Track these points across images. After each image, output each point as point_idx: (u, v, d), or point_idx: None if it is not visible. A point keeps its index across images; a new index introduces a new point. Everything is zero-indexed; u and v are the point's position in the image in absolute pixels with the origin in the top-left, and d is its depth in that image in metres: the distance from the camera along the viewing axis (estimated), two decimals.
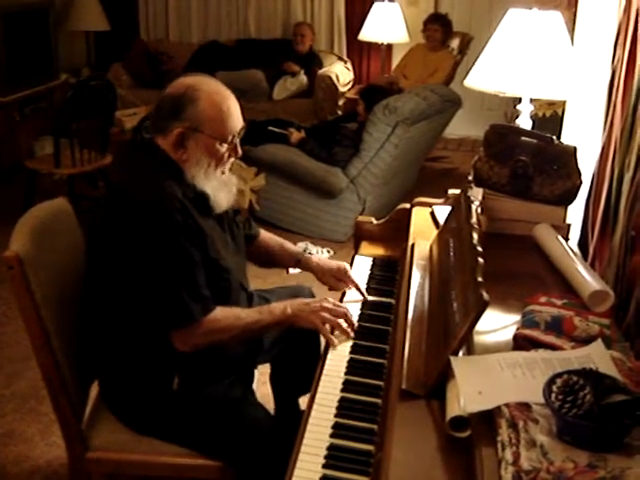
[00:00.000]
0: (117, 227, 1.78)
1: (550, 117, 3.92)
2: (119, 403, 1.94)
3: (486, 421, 1.21)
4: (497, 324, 1.58)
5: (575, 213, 2.14)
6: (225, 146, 1.85)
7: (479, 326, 1.49)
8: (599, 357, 1.30)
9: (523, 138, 2.00)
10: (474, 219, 1.72)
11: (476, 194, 2.14)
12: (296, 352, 2.23)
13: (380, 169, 4.27)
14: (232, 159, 1.93)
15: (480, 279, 1.39)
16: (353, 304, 2.01)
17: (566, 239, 1.99)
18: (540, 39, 2.31)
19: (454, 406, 1.27)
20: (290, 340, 2.17)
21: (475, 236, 1.59)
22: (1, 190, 5.00)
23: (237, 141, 1.90)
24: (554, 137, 1.99)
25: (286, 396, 2.38)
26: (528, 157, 1.98)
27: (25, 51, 5.52)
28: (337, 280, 2.14)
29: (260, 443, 1.81)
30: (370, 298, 2.05)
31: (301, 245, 4.32)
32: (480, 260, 1.47)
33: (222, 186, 1.90)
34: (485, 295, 1.31)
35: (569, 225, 2.03)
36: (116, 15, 6.68)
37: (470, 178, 2.03)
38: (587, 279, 1.66)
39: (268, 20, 6.86)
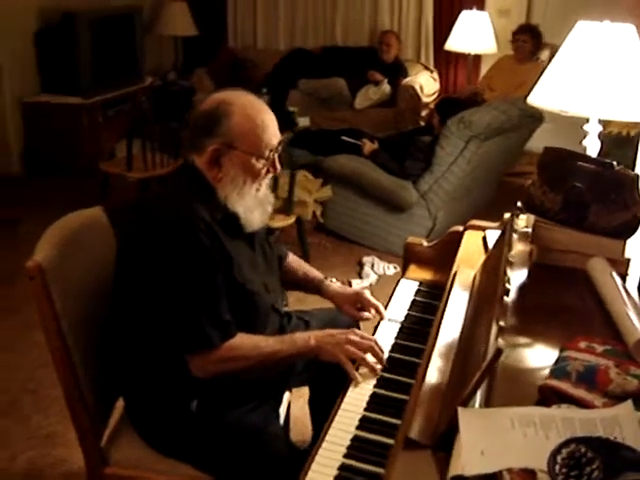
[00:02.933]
0: (142, 245, 1.74)
1: (635, 135, 3.68)
2: (141, 420, 1.89)
3: None
4: (527, 369, 1.44)
5: (636, 247, 1.95)
6: (262, 162, 1.78)
7: (505, 370, 1.37)
8: (626, 420, 1.14)
9: (579, 163, 1.84)
10: (513, 252, 1.58)
11: (529, 221, 1.99)
12: (335, 374, 2.12)
13: (452, 184, 4.11)
14: (270, 175, 1.85)
15: (502, 323, 1.26)
16: (387, 333, 1.90)
17: (624, 275, 1.82)
18: (611, 54, 2.14)
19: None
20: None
21: (508, 272, 1.46)
22: (80, 191, 5.10)
23: (275, 156, 1.82)
24: (614, 163, 1.82)
25: (325, 421, 2.28)
26: (584, 184, 1.81)
27: (111, 55, 5.65)
28: (357, 308, 2.03)
29: (275, 473, 1.73)
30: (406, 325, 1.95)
31: (367, 260, 4.23)
32: (506, 300, 1.33)
33: (257, 205, 1.83)
34: (500, 342, 1.18)
35: (628, 260, 1.85)
36: (205, 21, 6.76)
37: (519, 204, 1.88)
38: (635, 324, 1.49)
39: (355, 28, 6.78)
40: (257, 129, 1.76)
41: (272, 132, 1.79)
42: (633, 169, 2.83)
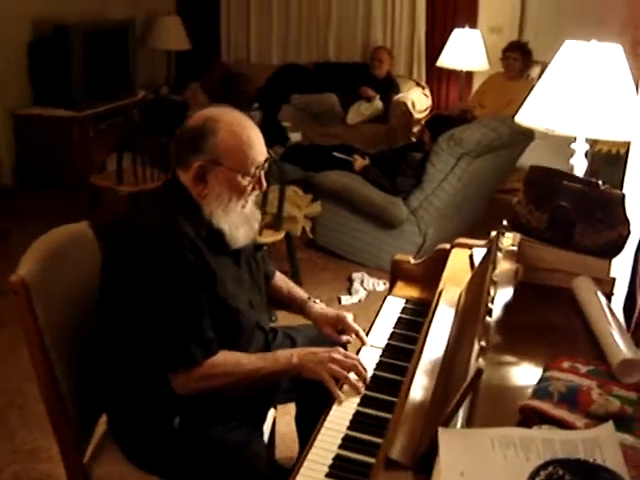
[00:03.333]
0: (126, 261, 1.73)
1: (625, 154, 3.69)
2: (124, 437, 1.88)
3: None
4: (510, 389, 1.44)
5: (622, 266, 1.96)
6: (247, 179, 1.78)
7: (488, 390, 1.36)
8: (607, 442, 1.14)
9: (565, 182, 1.84)
10: (498, 270, 1.58)
11: (515, 240, 2.00)
12: (322, 391, 2.11)
13: (443, 201, 4.12)
14: (256, 192, 1.85)
15: (483, 343, 1.26)
16: (371, 352, 1.89)
17: (609, 295, 1.82)
18: (598, 73, 2.15)
19: None
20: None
21: (492, 292, 1.46)
22: (70, 204, 5.09)
23: (261, 173, 1.82)
24: (600, 182, 1.82)
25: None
26: (570, 203, 1.81)
27: (104, 68, 5.66)
28: (337, 331, 2.02)
29: None
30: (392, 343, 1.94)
31: (357, 276, 4.22)
32: (488, 320, 1.33)
33: (243, 222, 1.82)
34: (481, 362, 1.18)
35: (614, 279, 1.85)
36: (198, 35, 6.78)
37: (504, 222, 1.88)
38: (619, 344, 1.49)
39: (348, 43, 6.82)
40: (243, 146, 1.76)
41: (258, 149, 1.79)
42: (622, 187, 2.84)
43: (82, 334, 1.85)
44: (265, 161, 1.82)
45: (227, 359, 1.74)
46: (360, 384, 1.70)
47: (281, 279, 2.17)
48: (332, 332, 2.03)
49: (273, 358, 1.77)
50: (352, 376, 1.71)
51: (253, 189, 1.82)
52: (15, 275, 1.70)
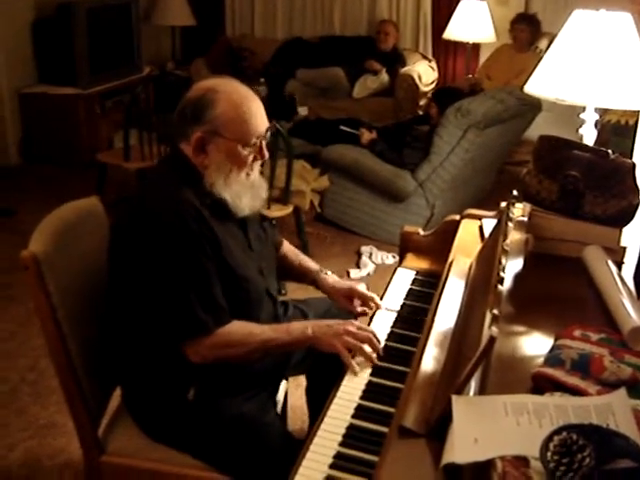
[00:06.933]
0: (132, 233, 1.74)
1: (634, 124, 3.66)
2: (138, 409, 1.89)
3: (481, 471, 1.09)
4: (521, 358, 1.44)
5: (633, 235, 1.95)
6: (248, 149, 1.78)
7: (500, 358, 1.37)
8: (619, 408, 1.14)
9: (575, 151, 1.83)
10: (508, 241, 1.58)
11: (525, 210, 1.99)
12: (332, 364, 2.12)
13: (450, 174, 4.11)
14: (258, 162, 1.85)
15: (496, 311, 1.26)
16: (384, 322, 1.90)
17: (620, 264, 1.82)
18: (608, 42, 2.13)
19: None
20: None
21: (503, 261, 1.46)
22: (78, 181, 5.10)
23: (263, 143, 1.82)
24: (610, 151, 1.81)
25: (321, 410, 2.28)
26: (580, 172, 1.81)
27: (108, 45, 5.63)
28: (350, 302, 2.03)
29: (270, 462, 1.73)
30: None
31: (365, 249, 4.23)
32: (500, 288, 1.33)
33: (246, 190, 1.82)
34: (494, 330, 1.18)
35: (624, 248, 1.84)
36: (203, 10, 6.73)
37: (515, 193, 1.88)
38: (630, 313, 1.49)
39: (353, 17, 6.76)
40: (243, 116, 1.75)
41: (259, 119, 1.79)
42: (631, 157, 2.83)
43: (94, 308, 1.87)
44: (267, 130, 1.81)
45: (240, 329, 1.75)
46: (374, 355, 1.70)
47: (291, 250, 2.18)
48: (347, 303, 2.04)
49: (287, 329, 1.77)
50: (366, 348, 1.71)
51: (254, 159, 1.82)
52: (26, 250, 1.70)
